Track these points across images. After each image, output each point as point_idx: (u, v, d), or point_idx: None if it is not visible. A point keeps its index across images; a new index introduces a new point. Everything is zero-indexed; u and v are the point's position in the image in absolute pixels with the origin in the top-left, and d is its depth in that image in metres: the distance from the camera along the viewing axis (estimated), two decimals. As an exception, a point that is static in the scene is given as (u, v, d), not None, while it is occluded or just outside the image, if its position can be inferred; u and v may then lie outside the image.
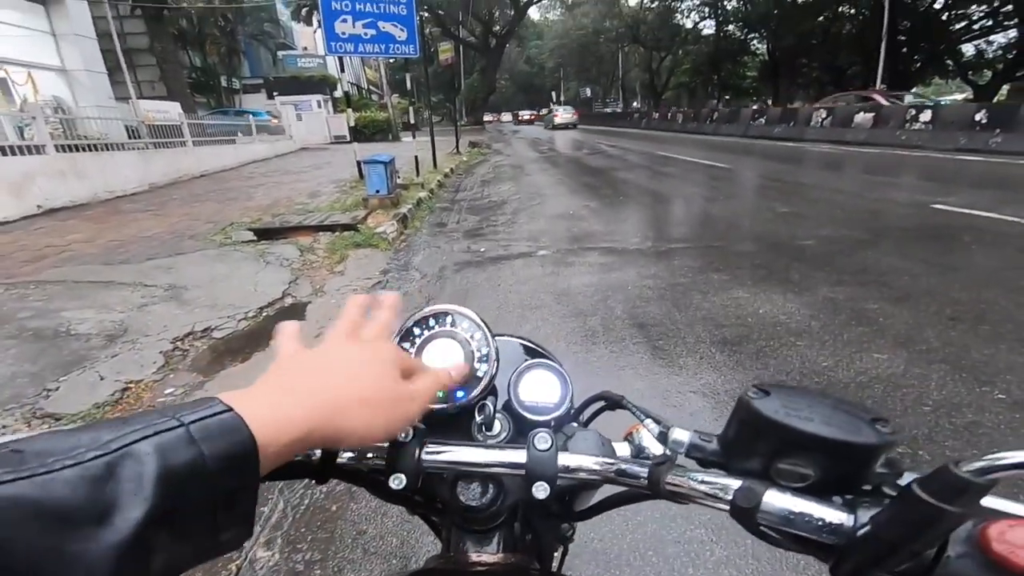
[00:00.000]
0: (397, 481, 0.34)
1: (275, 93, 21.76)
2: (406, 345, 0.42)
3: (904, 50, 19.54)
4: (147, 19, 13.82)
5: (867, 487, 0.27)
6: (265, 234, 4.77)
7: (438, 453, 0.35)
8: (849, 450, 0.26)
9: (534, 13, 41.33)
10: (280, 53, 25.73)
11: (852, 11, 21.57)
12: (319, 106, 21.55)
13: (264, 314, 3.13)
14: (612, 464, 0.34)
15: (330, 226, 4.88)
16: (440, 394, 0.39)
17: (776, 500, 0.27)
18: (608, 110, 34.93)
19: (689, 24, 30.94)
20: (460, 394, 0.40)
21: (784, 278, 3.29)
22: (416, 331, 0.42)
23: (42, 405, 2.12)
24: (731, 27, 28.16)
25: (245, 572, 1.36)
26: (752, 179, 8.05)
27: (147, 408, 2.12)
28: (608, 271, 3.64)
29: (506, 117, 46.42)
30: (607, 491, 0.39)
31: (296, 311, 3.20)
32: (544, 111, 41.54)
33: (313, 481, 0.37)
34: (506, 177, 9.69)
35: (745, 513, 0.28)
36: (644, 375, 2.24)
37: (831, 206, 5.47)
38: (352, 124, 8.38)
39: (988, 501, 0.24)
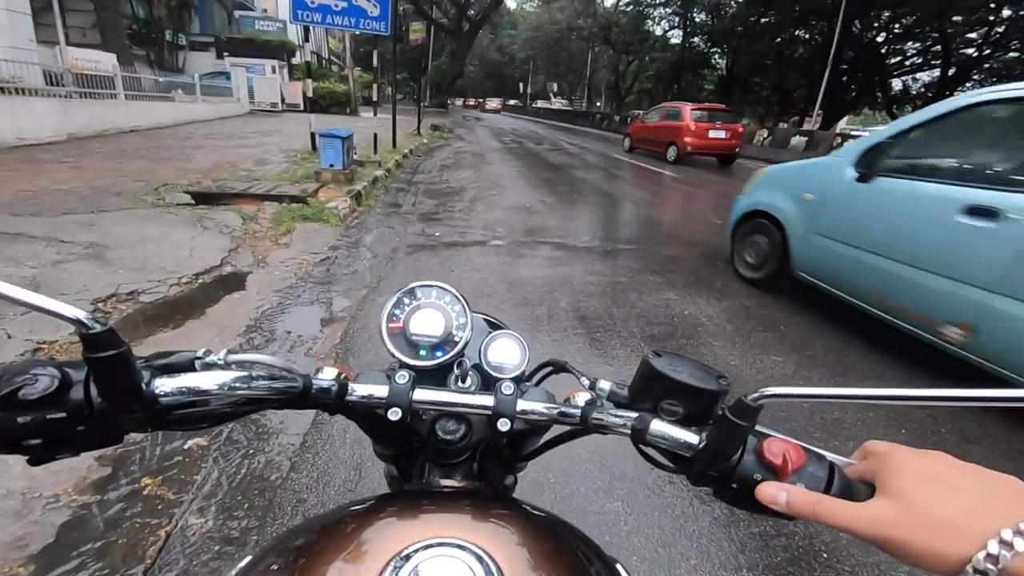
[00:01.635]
0: (394, 414, 0.42)
1: (225, 53, 20.29)
2: (396, 311, 0.51)
3: (844, 78, 21.16)
4: None
5: (711, 422, 0.38)
6: (204, 199, 4.50)
7: (426, 394, 0.43)
8: (701, 393, 0.38)
9: (511, 2, 40.99)
10: (237, 13, 23.96)
11: (807, 35, 23.02)
12: (274, 71, 20.35)
13: (200, 280, 2.99)
14: (555, 408, 0.44)
15: (277, 196, 4.68)
16: (424, 352, 0.49)
17: (658, 427, 0.38)
18: (564, 107, 35.17)
19: (659, 31, 31.84)
20: (439, 353, 0.49)
21: (709, 284, 3.58)
22: (406, 300, 0.51)
23: None
24: (696, 39, 29.26)
25: (175, 538, 1.34)
26: (694, 190, 8.52)
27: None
28: (557, 265, 3.78)
29: (491, 103, 44.90)
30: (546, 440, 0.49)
31: (236, 280, 3.09)
32: (512, 102, 41.27)
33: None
34: (466, 164, 9.63)
35: (638, 434, 0.39)
36: (580, 363, 2.39)
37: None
38: (310, 94, 7.99)
39: (764, 428, 0.37)
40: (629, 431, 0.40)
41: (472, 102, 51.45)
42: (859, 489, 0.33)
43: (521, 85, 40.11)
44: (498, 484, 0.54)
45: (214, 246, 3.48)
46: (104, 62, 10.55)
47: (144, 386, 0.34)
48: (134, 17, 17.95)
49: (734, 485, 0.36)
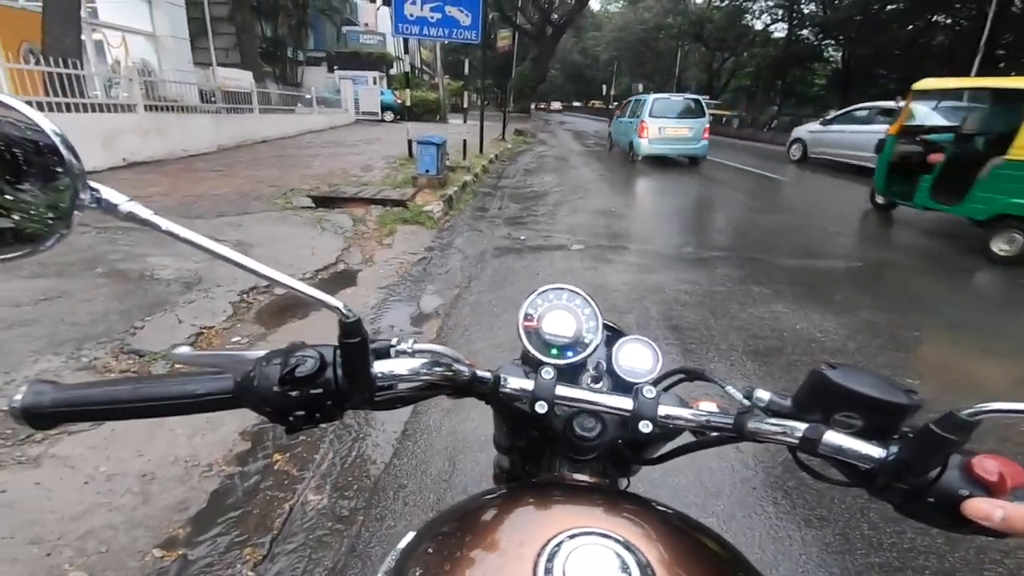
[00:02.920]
0: (541, 407, 0.44)
1: (335, 67, 22.38)
2: (531, 311, 0.52)
3: (1002, 65, 17.98)
4: None
5: (896, 436, 0.37)
6: (322, 202, 5.07)
7: (568, 391, 0.45)
8: (887, 406, 0.36)
9: (595, 4, 40.46)
10: (344, 28, 26.28)
11: (948, 20, 19.93)
12: (374, 82, 22.07)
13: (319, 276, 3.38)
14: (702, 414, 0.44)
15: (382, 200, 5.13)
16: (555, 351, 0.50)
17: (833, 438, 0.37)
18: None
19: (759, 26, 29.50)
20: (569, 353, 0.51)
21: (825, 296, 3.28)
22: (539, 301, 0.53)
23: (129, 342, 2.29)
24: (805, 31, 26.65)
25: (296, 512, 1.48)
26: (800, 192, 7.79)
27: (215, 350, 2.38)
28: (645, 272, 3.71)
29: (555, 105, 44.90)
30: (676, 444, 0.50)
31: (348, 276, 3.45)
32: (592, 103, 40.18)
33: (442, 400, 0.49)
34: (549, 168, 9.73)
35: (810, 444, 0.38)
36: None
37: (884, 229, 5.28)
38: (408, 104, 8.60)
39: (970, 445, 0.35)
40: (796, 441, 0.38)
41: (542, 105, 52.58)
42: None
43: (604, 87, 39.32)
44: (616, 483, 0.56)
45: (331, 246, 3.92)
46: (244, 80, 12.18)
47: (370, 369, 0.40)
48: (263, 37, 20.27)
49: (931, 499, 0.35)
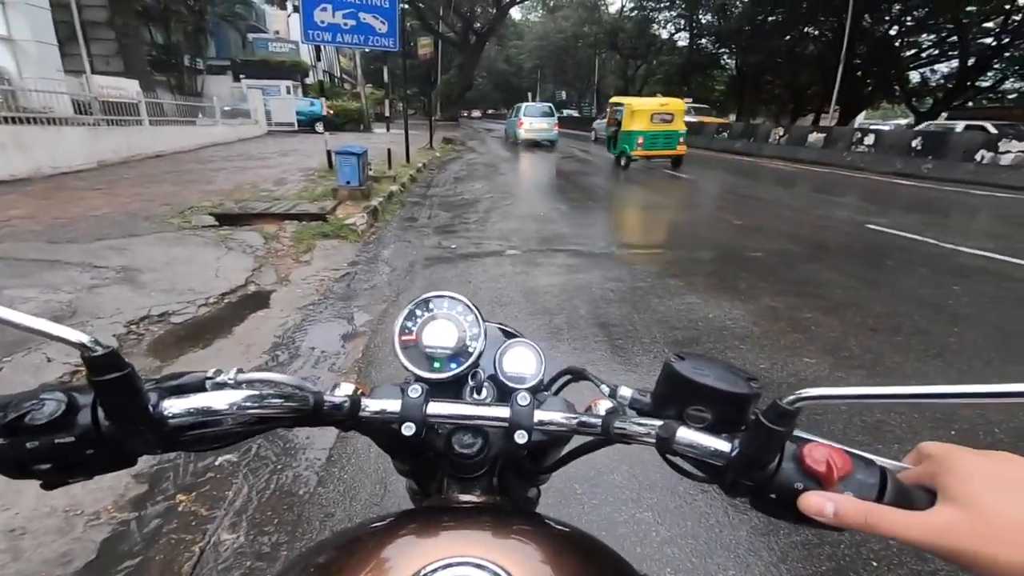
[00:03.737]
0: (408, 428, 0.41)
1: (242, 76, 21.00)
2: (409, 324, 0.50)
3: (859, 74, 20.78)
4: None
5: (743, 428, 0.36)
6: (227, 219, 4.64)
7: (440, 408, 0.42)
8: (731, 397, 0.36)
9: (516, 13, 41.40)
10: (250, 36, 24.78)
11: (816, 32, 22.71)
12: (288, 92, 20.94)
13: (226, 300, 3.08)
14: (575, 417, 0.43)
15: (297, 215, 4.81)
16: (438, 364, 0.48)
17: (685, 435, 0.36)
18: (576, 114, 35.23)
19: (665, 35, 31.85)
20: (453, 365, 0.48)
21: (733, 287, 3.53)
22: (418, 312, 0.50)
23: None
24: (704, 40, 29.13)
25: (209, 554, 1.38)
26: (711, 191, 8.45)
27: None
28: (574, 272, 3.78)
29: (475, 113, 44.65)
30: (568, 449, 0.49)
31: (260, 299, 3.17)
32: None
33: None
34: (479, 175, 9.74)
35: (664, 443, 0.37)
36: (603, 371, 2.38)
37: (782, 220, 5.86)
38: (325, 113, 8.20)
39: (804, 433, 0.35)
40: (654, 440, 0.38)
41: (464, 113, 53.23)
42: (917, 496, 0.31)
43: (529, 95, 40.39)
44: (520, 498, 0.53)
45: (238, 266, 3.58)
46: (128, 89, 10.97)
47: (152, 407, 0.34)
48: (153, 43, 18.53)
49: (773, 495, 0.34)
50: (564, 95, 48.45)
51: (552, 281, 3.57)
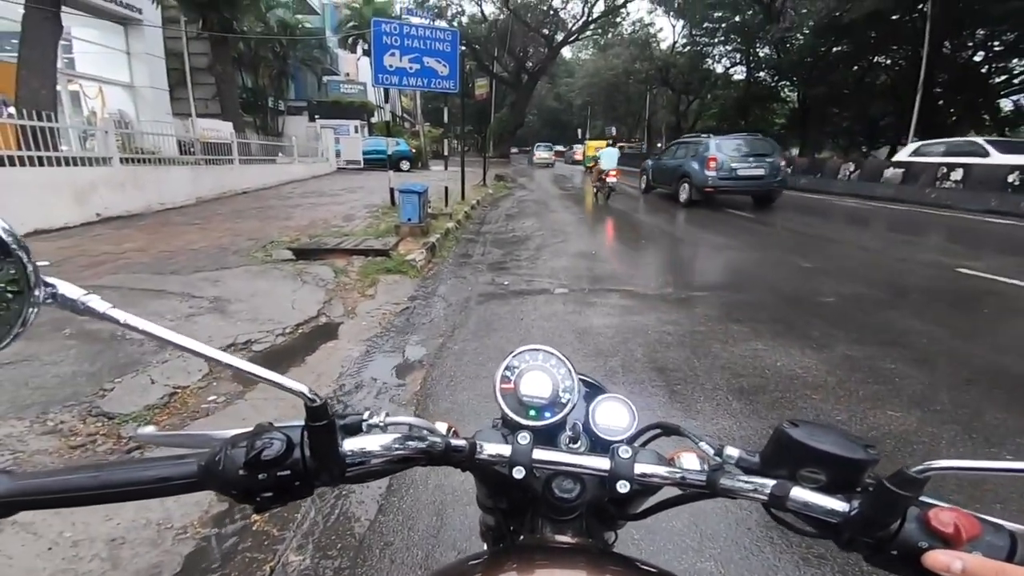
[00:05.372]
0: (519, 472, 0.45)
1: (316, 116, 22.91)
2: (508, 374, 0.54)
3: (940, 102, 19.44)
4: (212, 41, 14.83)
5: (859, 489, 0.39)
6: (303, 254, 5.05)
7: (546, 455, 0.46)
8: (848, 462, 0.38)
9: (567, 52, 42.78)
10: (325, 78, 26.87)
11: (888, 62, 21.62)
12: (356, 131, 22.57)
13: (300, 331, 3.32)
14: (677, 471, 0.46)
15: (364, 250, 5.14)
16: (534, 412, 0.51)
17: (800, 494, 0.39)
18: (630, 150, 35.26)
19: (719, 69, 31.56)
20: (547, 414, 0.52)
21: (804, 333, 3.34)
22: (515, 364, 0.54)
23: (98, 404, 2.24)
24: (762, 73, 28.58)
25: (278, 574, 1.46)
26: (776, 231, 8.10)
27: (190, 410, 2.29)
28: (628, 314, 3.74)
29: (543, 154, 44.85)
30: (657, 499, 0.51)
31: (330, 330, 3.39)
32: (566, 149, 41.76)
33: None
34: (530, 212, 9.95)
35: (778, 500, 0.39)
36: (661, 418, 2.32)
37: (857, 263, 5.50)
38: (390, 153, 8.79)
39: (928, 498, 0.37)
40: (765, 497, 0.40)
41: (514, 150, 53.23)
42: None
43: (580, 131, 41.19)
44: (600, 540, 0.56)
45: (312, 298, 3.87)
46: (223, 130, 12.28)
47: (339, 448, 0.41)
48: (243, 87, 20.45)
49: (894, 552, 0.36)
50: (615, 130, 48.94)
51: (606, 322, 3.55)
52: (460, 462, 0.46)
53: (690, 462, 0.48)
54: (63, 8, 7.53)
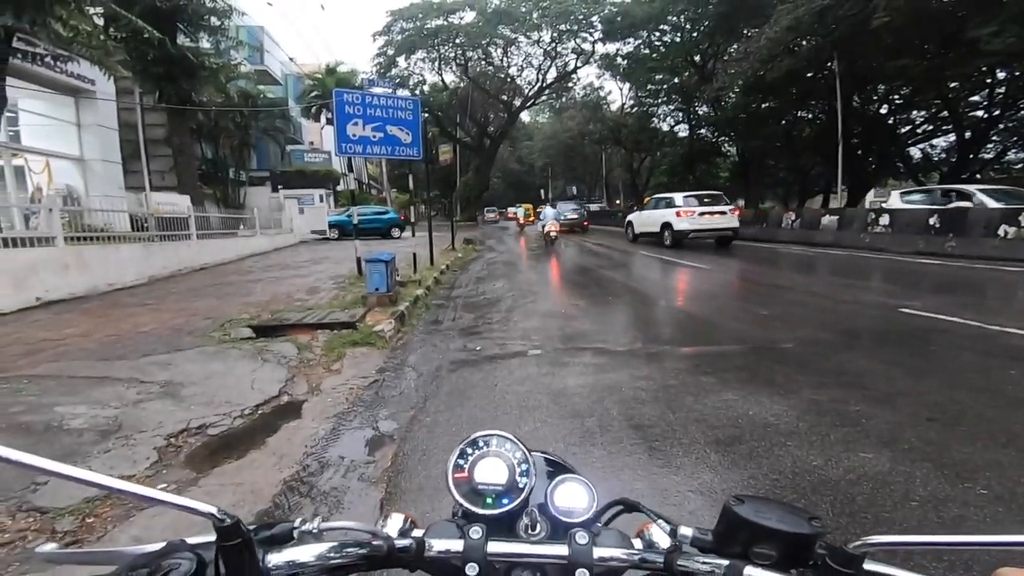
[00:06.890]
0: (472, 569, 0.43)
1: (280, 186, 22.83)
2: (461, 462, 0.52)
3: (859, 152, 21.55)
4: (169, 112, 14.27)
5: (811, 562, 0.39)
6: (263, 331, 4.85)
7: (500, 547, 0.45)
8: (795, 538, 0.39)
9: (525, 116, 45.49)
10: (288, 147, 26.57)
11: (810, 116, 24.01)
12: (321, 200, 22.56)
13: (260, 412, 3.14)
14: (636, 554, 0.45)
15: (329, 324, 4.99)
16: (490, 500, 0.50)
17: (752, 573, 0.39)
18: (594, 207, 37.21)
19: (665, 127, 34.19)
20: (505, 500, 0.50)
21: (769, 380, 3.41)
22: (468, 451, 0.53)
23: (29, 499, 2.07)
24: (703, 130, 31.10)
25: None
26: (734, 281, 8.51)
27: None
28: (601, 372, 3.74)
29: (490, 215, 45.97)
30: None
31: (293, 409, 3.21)
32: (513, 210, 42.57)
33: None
34: (499, 274, 10.05)
35: None
36: (642, 476, 2.27)
37: (809, 309, 5.79)
38: (356, 222, 8.85)
39: (875, 567, 0.38)
40: None
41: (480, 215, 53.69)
42: None
43: (542, 191, 43.17)
44: None
45: (273, 377, 3.69)
46: (180, 204, 11.86)
47: (260, 563, 0.39)
48: (203, 158, 19.84)
49: None
50: (575, 190, 51.51)
51: (580, 382, 3.53)
52: (407, 563, 0.45)
53: (659, 535, 0.48)
54: (7, 81, 7.39)
